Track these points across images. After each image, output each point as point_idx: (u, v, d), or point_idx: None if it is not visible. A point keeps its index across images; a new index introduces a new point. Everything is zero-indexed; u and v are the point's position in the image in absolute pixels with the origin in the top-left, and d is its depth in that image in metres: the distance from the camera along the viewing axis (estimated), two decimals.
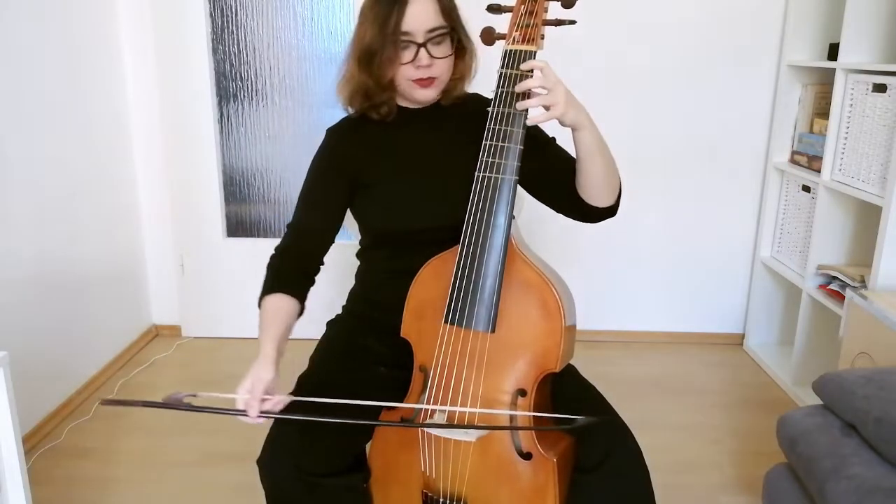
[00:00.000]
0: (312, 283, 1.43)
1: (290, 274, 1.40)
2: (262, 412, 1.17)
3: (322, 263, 1.45)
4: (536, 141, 1.42)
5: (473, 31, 1.37)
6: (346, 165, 1.42)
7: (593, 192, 1.34)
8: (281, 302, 1.35)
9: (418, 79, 1.33)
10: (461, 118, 1.41)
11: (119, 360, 2.77)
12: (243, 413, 1.17)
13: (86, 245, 2.57)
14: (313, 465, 1.27)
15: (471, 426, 1.25)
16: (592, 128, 1.27)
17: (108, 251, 2.71)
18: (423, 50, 1.30)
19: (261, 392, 1.18)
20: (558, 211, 1.43)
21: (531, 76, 1.24)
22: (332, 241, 1.45)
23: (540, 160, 1.39)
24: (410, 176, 1.41)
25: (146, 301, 3.02)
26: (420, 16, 1.28)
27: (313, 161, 1.46)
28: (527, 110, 1.24)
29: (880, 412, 1.36)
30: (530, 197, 1.46)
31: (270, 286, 1.38)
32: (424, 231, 1.38)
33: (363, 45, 1.31)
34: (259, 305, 1.37)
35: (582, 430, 1.30)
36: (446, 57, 1.34)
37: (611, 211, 1.40)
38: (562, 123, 1.24)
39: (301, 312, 1.40)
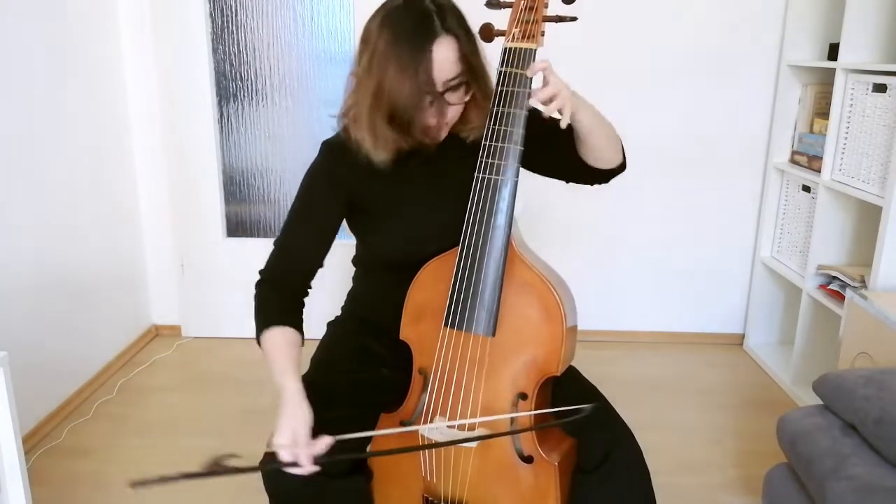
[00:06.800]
0: (304, 306, 1.37)
1: (285, 304, 1.34)
2: (315, 460, 1.10)
3: (311, 287, 1.39)
4: (536, 120, 1.35)
5: (474, 25, 1.30)
6: (345, 188, 1.36)
7: (599, 159, 1.33)
8: (289, 335, 1.29)
9: (426, 126, 1.26)
10: (469, 141, 1.35)
11: (119, 360, 2.77)
12: (293, 465, 1.09)
13: (86, 245, 2.56)
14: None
15: (471, 438, 1.24)
16: (587, 108, 1.24)
17: (108, 251, 2.71)
18: (440, 99, 1.22)
19: (305, 438, 1.10)
20: (568, 181, 1.41)
21: (531, 78, 1.22)
22: (322, 264, 1.39)
23: (542, 139, 1.33)
24: (415, 204, 1.37)
25: (146, 301, 3.02)
26: (442, 64, 1.19)
27: (309, 177, 1.38)
28: (526, 107, 1.22)
29: (880, 412, 1.36)
30: (530, 196, 1.45)
31: (268, 320, 1.30)
32: (429, 258, 1.34)
33: (393, 103, 1.20)
34: (259, 340, 1.30)
35: (583, 423, 1.29)
36: (460, 104, 1.27)
37: (621, 168, 1.39)
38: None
39: (302, 342, 1.33)
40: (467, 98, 1.27)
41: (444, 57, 1.19)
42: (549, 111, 1.19)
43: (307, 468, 1.09)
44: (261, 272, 1.38)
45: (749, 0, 2.69)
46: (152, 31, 2.75)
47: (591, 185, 1.41)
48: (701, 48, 2.75)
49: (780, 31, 2.71)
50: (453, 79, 1.22)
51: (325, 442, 1.12)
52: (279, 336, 1.28)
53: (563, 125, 1.20)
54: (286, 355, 1.24)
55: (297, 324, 1.32)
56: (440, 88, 1.21)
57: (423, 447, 1.29)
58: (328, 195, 1.37)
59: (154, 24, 2.74)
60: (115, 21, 2.72)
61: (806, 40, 2.64)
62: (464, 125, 1.32)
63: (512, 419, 1.27)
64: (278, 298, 1.34)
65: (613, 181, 1.42)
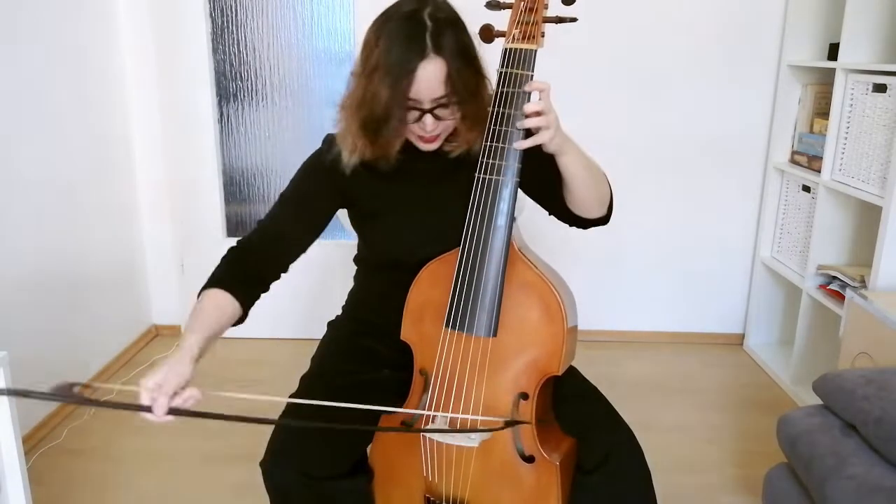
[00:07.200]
0: (266, 290, 1.33)
1: (245, 274, 1.31)
2: (171, 409, 1.06)
3: (285, 271, 1.36)
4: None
5: (474, 26, 1.29)
6: (341, 182, 1.36)
7: (581, 208, 1.32)
8: (224, 301, 1.25)
9: (420, 135, 1.29)
10: (453, 156, 1.35)
11: (119, 360, 2.76)
12: (147, 409, 1.05)
13: (86, 245, 2.56)
14: (317, 468, 1.26)
15: (470, 430, 1.24)
16: (575, 152, 1.23)
17: (108, 251, 2.71)
18: (428, 116, 1.24)
19: (172, 389, 1.06)
20: (549, 212, 1.41)
21: (529, 94, 1.21)
22: (303, 252, 1.38)
23: (535, 167, 1.33)
24: (415, 204, 1.37)
25: (146, 301, 3.02)
26: (428, 83, 1.20)
27: (305, 166, 1.40)
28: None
29: (880, 412, 1.36)
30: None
31: (219, 279, 1.28)
32: (430, 258, 1.34)
33: (370, 110, 1.22)
34: (199, 294, 1.27)
35: (584, 423, 1.30)
36: (454, 119, 1.28)
37: (602, 221, 1.37)
38: (545, 149, 1.20)
39: (241, 321, 1.29)
40: (456, 117, 1.27)
41: (430, 76, 1.20)
42: (530, 125, 1.17)
43: (159, 416, 1.05)
44: (238, 241, 1.36)
45: (749, 0, 2.69)
46: (152, 31, 2.75)
47: (570, 225, 1.39)
48: (701, 48, 2.75)
49: (780, 31, 2.72)
50: (440, 97, 1.23)
51: (186, 395, 1.08)
52: (216, 300, 1.25)
53: (527, 144, 1.18)
54: (208, 319, 1.21)
55: (246, 299, 1.28)
56: (428, 105, 1.23)
57: (399, 429, 1.30)
58: (321, 186, 1.37)
59: (154, 24, 2.74)
60: (115, 21, 2.72)
61: (806, 40, 2.64)
62: (449, 141, 1.33)
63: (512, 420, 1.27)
64: (239, 266, 1.32)
65: (613, 181, 1.41)
